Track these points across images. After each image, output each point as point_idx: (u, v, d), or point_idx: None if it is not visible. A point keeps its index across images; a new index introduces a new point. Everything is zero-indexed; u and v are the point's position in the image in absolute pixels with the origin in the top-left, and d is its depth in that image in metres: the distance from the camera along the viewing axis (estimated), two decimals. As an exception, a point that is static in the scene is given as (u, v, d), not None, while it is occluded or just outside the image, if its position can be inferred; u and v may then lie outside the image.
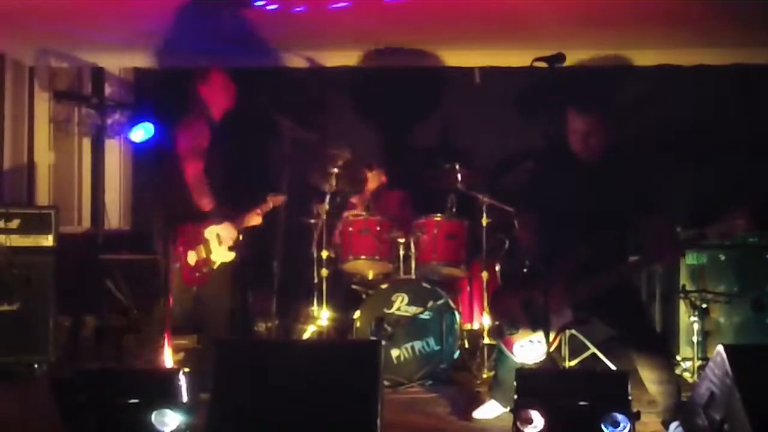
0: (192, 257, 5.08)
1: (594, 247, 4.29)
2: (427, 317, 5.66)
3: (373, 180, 6.61)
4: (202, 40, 7.02)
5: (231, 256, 5.15)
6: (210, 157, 5.11)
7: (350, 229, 5.92)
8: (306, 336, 6.14)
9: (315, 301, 6.15)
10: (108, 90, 7.41)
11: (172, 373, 3.56)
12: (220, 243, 5.11)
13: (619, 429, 3.40)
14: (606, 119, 4.44)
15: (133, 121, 6.74)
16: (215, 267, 5.11)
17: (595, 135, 4.38)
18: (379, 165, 6.69)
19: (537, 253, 4.48)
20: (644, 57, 7.13)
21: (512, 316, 4.44)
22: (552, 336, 4.17)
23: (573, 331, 5.36)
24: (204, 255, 5.09)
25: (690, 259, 5.84)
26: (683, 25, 6.43)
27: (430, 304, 5.65)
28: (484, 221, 5.91)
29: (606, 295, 4.24)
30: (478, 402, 4.88)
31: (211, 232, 5.09)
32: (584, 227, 4.33)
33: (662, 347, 4.46)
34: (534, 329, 4.32)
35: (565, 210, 4.34)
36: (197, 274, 5.09)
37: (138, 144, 6.87)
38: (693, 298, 5.61)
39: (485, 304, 5.91)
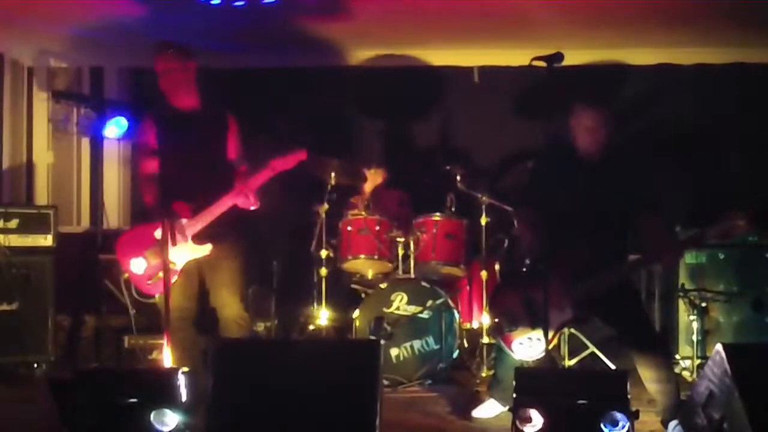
0: (138, 265, 4.56)
1: (594, 246, 4.29)
2: (427, 316, 5.66)
3: (372, 179, 6.61)
4: (202, 39, 7.02)
5: (200, 250, 4.57)
6: (168, 151, 4.70)
7: (349, 228, 5.92)
8: (305, 335, 6.13)
9: (314, 300, 6.15)
10: (107, 90, 7.42)
11: (171, 373, 3.55)
12: (177, 241, 4.48)
13: (618, 428, 3.40)
14: (612, 113, 4.48)
15: (108, 118, 6.46)
16: (178, 267, 4.54)
17: (603, 129, 4.41)
18: (378, 164, 6.69)
19: (537, 252, 4.49)
20: (643, 56, 7.12)
21: (512, 314, 4.44)
22: (551, 334, 4.17)
23: (573, 330, 5.37)
24: (155, 259, 4.52)
25: (689, 258, 5.85)
26: (682, 24, 6.43)
27: (430, 303, 5.65)
28: (483, 220, 5.91)
29: (605, 294, 4.25)
30: (477, 401, 4.88)
31: (161, 231, 4.46)
32: (584, 226, 4.34)
33: (661, 346, 4.47)
34: (533, 327, 4.33)
35: (565, 209, 4.35)
36: (149, 282, 4.55)
37: (114, 140, 6.58)
38: (692, 297, 5.62)
39: (484, 303, 5.91)
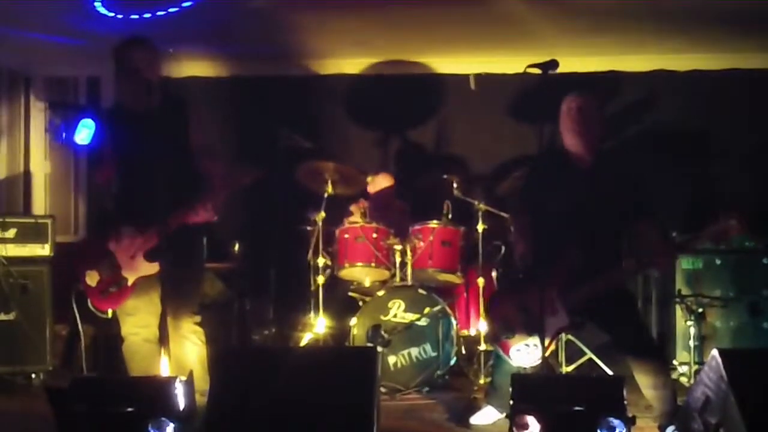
0: (92, 278, 4.38)
1: (588, 251, 4.30)
2: (424, 324, 5.66)
3: (379, 183, 6.62)
4: (200, 48, 7.04)
5: (152, 267, 4.28)
6: (125, 157, 4.40)
7: (346, 236, 5.93)
8: (303, 343, 6.14)
9: (312, 308, 6.15)
10: (104, 100, 7.42)
11: (169, 382, 3.56)
12: (131, 255, 4.33)
13: (615, 434, 3.41)
14: (598, 102, 4.51)
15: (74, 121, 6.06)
16: (130, 283, 4.34)
17: (589, 113, 4.41)
18: (382, 170, 6.72)
19: (529, 260, 4.50)
20: (638, 63, 7.14)
21: (508, 321, 4.45)
22: (548, 341, 4.18)
23: (570, 337, 5.38)
24: (108, 272, 4.35)
25: (686, 263, 5.86)
26: (677, 30, 6.45)
27: (427, 310, 5.66)
28: (480, 227, 5.91)
29: (601, 299, 4.26)
30: (474, 408, 4.88)
31: (115, 244, 4.38)
32: (579, 231, 4.35)
33: (657, 352, 4.48)
34: (530, 333, 4.34)
35: (559, 213, 4.36)
36: (104, 296, 4.36)
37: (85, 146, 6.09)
38: (689, 303, 5.62)
39: (482, 310, 5.91)
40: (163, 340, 4.11)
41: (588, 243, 4.30)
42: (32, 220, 5.99)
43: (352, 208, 6.60)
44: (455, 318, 5.74)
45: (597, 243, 4.33)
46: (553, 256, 4.25)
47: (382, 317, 5.67)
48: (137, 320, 4.45)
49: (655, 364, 4.28)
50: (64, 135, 4.77)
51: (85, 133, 5.84)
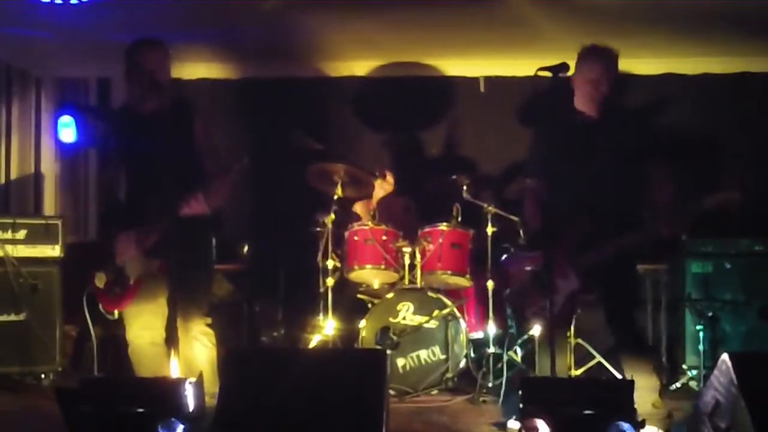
0: (100, 279, 4.44)
1: (595, 213, 4.30)
2: (433, 326, 5.66)
3: (382, 188, 6.63)
4: (209, 50, 7.05)
5: (153, 264, 4.36)
6: (131, 158, 4.48)
7: (356, 238, 5.93)
8: (312, 345, 6.14)
9: (321, 310, 6.15)
10: (114, 101, 7.44)
11: (178, 383, 3.56)
12: (131, 253, 4.39)
13: (624, 438, 3.40)
14: (613, 66, 4.61)
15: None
16: (132, 282, 4.40)
17: (605, 82, 4.49)
18: (388, 172, 6.72)
19: (539, 225, 4.51)
20: (648, 66, 7.12)
21: (522, 288, 4.46)
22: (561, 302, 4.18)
23: (579, 340, 5.36)
24: (113, 273, 4.42)
25: (695, 267, 5.84)
26: (687, 33, 6.44)
27: (436, 313, 5.66)
28: (490, 230, 5.90)
29: (608, 270, 4.25)
30: (482, 411, 4.86)
31: (117, 243, 4.42)
32: (586, 192, 4.34)
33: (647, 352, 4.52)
34: (543, 296, 4.29)
35: (566, 172, 4.36)
36: (109, 296, 4.43)
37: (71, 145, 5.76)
38: (699, 307, 5.61)
39: (491, 313, 5.90)
40: (172, 341, 4.11)
41: (595, 204, 4.29)
42: (42, 221, 6.00)
43: (358, 208, 6.61)
44: (464, 320, 5.73)
45: (604, 205, 4.32)
46: (563, 219, 4.25)
47: (391, 319, 5.67)
48: (142, 322, 4.46)
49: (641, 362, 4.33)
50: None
51: (68, 131, 5.65)
